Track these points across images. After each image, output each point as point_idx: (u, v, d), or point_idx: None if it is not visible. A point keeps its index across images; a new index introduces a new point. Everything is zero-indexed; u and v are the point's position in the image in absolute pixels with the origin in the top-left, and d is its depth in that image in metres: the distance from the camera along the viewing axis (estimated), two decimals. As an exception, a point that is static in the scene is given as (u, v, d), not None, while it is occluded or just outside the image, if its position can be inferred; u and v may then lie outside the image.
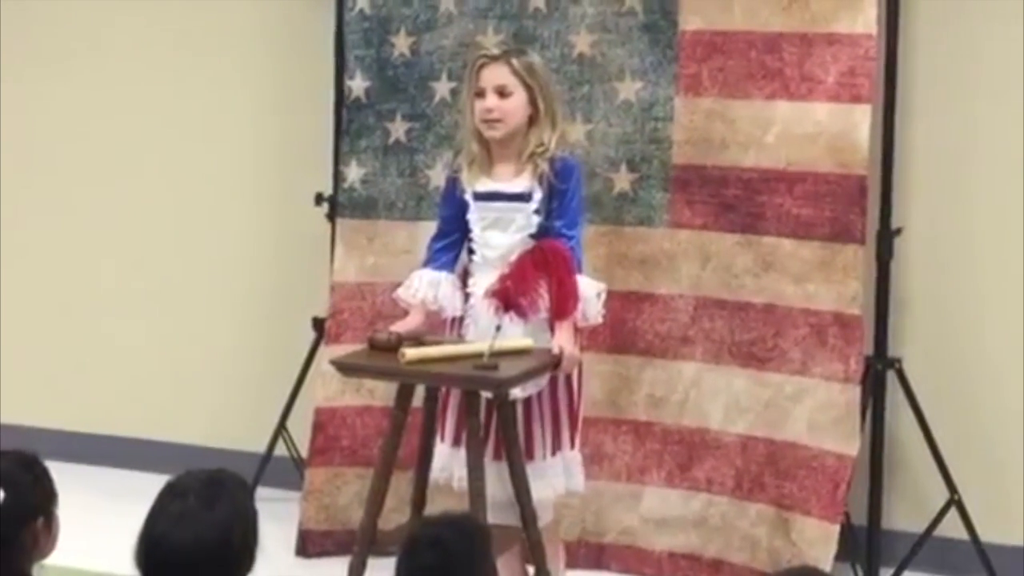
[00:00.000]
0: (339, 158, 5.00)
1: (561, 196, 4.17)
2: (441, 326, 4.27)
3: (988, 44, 4.65)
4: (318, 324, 5.06)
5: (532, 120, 4.18)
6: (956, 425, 4.69)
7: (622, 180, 4.77)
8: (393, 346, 4.05)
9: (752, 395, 4.63)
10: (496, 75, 4.17)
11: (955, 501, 4.57)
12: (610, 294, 4.26)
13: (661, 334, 4.74)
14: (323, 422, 4.95)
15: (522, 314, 4.00)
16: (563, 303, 4.04)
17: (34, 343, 5.85)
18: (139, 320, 5.73)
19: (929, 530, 4.61)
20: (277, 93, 5.48)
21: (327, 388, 4.94)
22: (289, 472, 5.19)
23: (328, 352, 4.80)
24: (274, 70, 5.47)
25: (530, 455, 4.13)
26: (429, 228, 4.45)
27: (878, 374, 4.62)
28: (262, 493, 4.52)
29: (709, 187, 4.68)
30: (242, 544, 2.67)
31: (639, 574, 4.79)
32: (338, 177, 5.00)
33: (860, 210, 4.49)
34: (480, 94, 4.18)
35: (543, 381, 4.13)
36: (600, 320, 4.21)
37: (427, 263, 4.28)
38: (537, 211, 4.17)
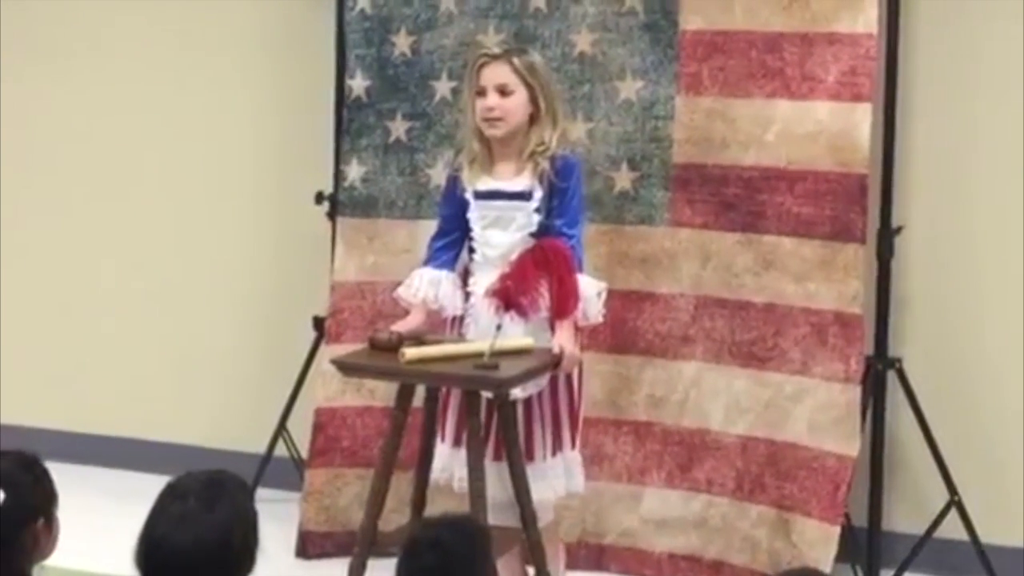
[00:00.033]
0: (340, 157, 5.00)
1: (562, 195, 4.17)
2: (442, 325, 4.27)
3: (988, 43, 4.65)
4: (318, 323, 5.06)
5: (533, 119, 4.18)
6: (956, 426, 4.69)
7: (623, 179, 4.76)
8: (394, 346, 4.05)
9: (752, 395, 4.63)
10: (497, 74, 4.17)
11: (955, 502, 4.57)
12: (610, 293, 4.26)
13: (661, 334, 4.74)
14: (323, 422, 4.95)
15: (523, 313, 4.00)
16: (564, 302, 4.04)
17: (34, 343, 5.85)
18: (139, 320, 5.73)
19: (929, 531, 4.61)
20: (278, 92, 5.48)
21: (327, 388, 4.93)
22: (289, 473, 5.19)
23: (328, 352, 4.80)
24: (275, 69, 5.47)
25: (530, 456, 4.13)
26: (429, 227, 4.45)
27: (878, 374, 4.62)
28: (262, 494, 4.51)
29: (710, 186, 4.67)
30: (242, 545, 2.67)
31: (639, 575, 4.79)
32: (338, 176, 4.99)
33: (861, 209, 4.49)
34: (481, 93, 4.18)
35: (543, 381, 4.13)
36: (601, 319, 4.21)
37: (427, 262, 4.28)
38: (538, 210, 4.16)
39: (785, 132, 4.58)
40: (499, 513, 4.04)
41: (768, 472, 4.59)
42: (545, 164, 4.16)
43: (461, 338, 4.18)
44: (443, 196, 4.37)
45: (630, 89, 4.74)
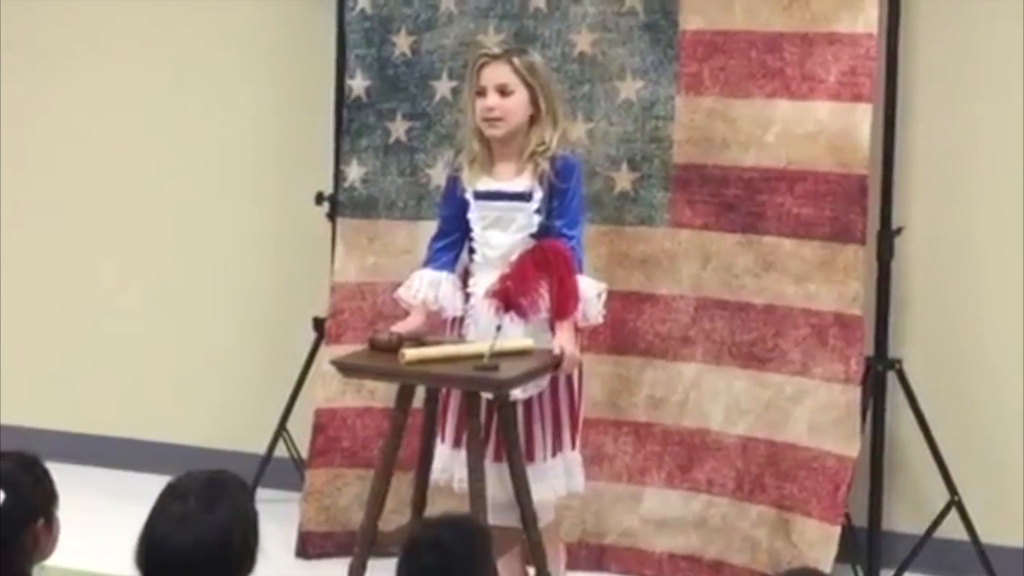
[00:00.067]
0: (340, 157, 5.00)
1: (562, 195, 4.17)
2: (442, 326, 4.27)
3: (989, 44, 4.65)
4: (318, 324, 5.06)
5: (533, 119, 4.18)
6: (956, 426, 4.69)
7: (623, 179, 4.76)
8: (394, 346, 4.05)
9: (752, 396, 4.63)
10: (497, 74, 4.17)
11: (955, 502, 4.57)
12: (610, 294, 4.26)
13: (661, 334, 4.74)
14: (323, 423, 4.94)
15: (523, 314, 4.00)
16: (564, 303, 4.04)
17: (34, 343, 5.85)
18: (139, 320, 5.73)
19: (929, 531, 4.61)
20: (278, 92, 5.48)
21: (327, 389, 4.93)
22: (289, 473, 5.19)
23: (329, 352, 4.79)
24: (275, 69, 5.47)
25: (531, 456, 4.13)
26: (430, 228, 4.45)
27: (878, 375, 4.62)
28: (262, 494, 4.51)
29: (710, 186, 4.67)
30: (242, 545, 2.67)
31: (639, 575, 4.79)
32: (338, 176, 4.99)
33: (861, 210, 4.48)
34: (481, 93, 4.18)
35: (544, 382, 4.13)
36: (601, 320, 4.21)
37: (427, 263, 4.28)
38: (538, 210, 4.16)
39: (785, 132, 4.57)
40: (499, 513, 4.04)
41: (768, 472, 4.59)
42: (545, 165, 4.16)
43: (461, 339, 4.18)
44: (443, 197, 4.37)
45: (630, 89, 4.74)
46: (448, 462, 4.18)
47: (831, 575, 4.29)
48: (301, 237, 5.38)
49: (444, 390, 4.16)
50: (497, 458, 4.11)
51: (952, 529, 4.58)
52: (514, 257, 4.09)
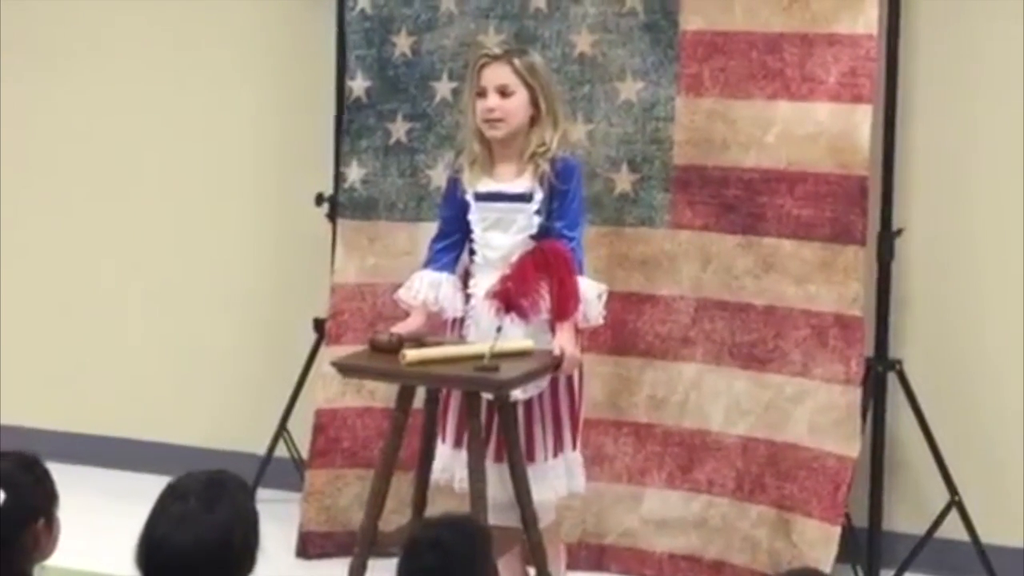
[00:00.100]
0: (340, 158, 5.00)
1: (562, 197, 4.17)
2: (442, 327, 4.27)
3: (989, 44, 4.65)
4: (319, 325, 5.06)
5: (534, 120, 4.18)
6: (957, 426, 4.69)
7: (623, 181, 4.76)
8: (394, 347, 4.05)
9: (753, 396, 4.63)
10: (497, 75, 4.17)
11: (956, 502, 4.57)
12: (611, 295, 4.26)
13: (662, 335, 4.74)
14: (324, 423, 4.94)
15: (523, 315, 4.00)
16: (564, 304, 4.04)
17: (34, 343, 5.85)
18: (139, 320, 5.73)
19: (930, 531, 4.61)
20: (278, 93, 5.48)
21: (328, 389, 4.93)
22: (290, 473, 5.19)
23: (329, 353, 4.79)
24: (275, 70, 5.47)
25: (531, 457, 4.13)
26: (430, 229, 4.45)
27: (879, 376, 4.62)
28: (263, 494, 4.51)
29: (710, 188, 4.67)
30: (243, 545, 2.67)
31: (640, 575, 4.79)
32: (339, 177, 4.99)
33: (861, 211, 4.48)
34: (481, 94, 4.18)
35: (544, 382, 4.13)
36: (601, 321, 4.21)
37: (428, 264, 4.28)
38: (538, 212, 4.16)
39: (785, 133, 4.57)
40: (500, 514, 4.04)
41: (768, 472, 4.59)
42: (546, 166, 4.16)
43: (462, 340, 4.18)
44: (443, 198, 4.37)
45: (630, 90, 4.74)
46: (449, 462, 4.18)
47: (831, 575, 4.29)
48: (301, 238, 5.38)
49: (444, 391, 4.16)
50: (498, 458, 4.11)
51: (952, 529, 4.59)
52: (514, 258, 4.09)
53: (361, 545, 4.09)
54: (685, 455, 4.73)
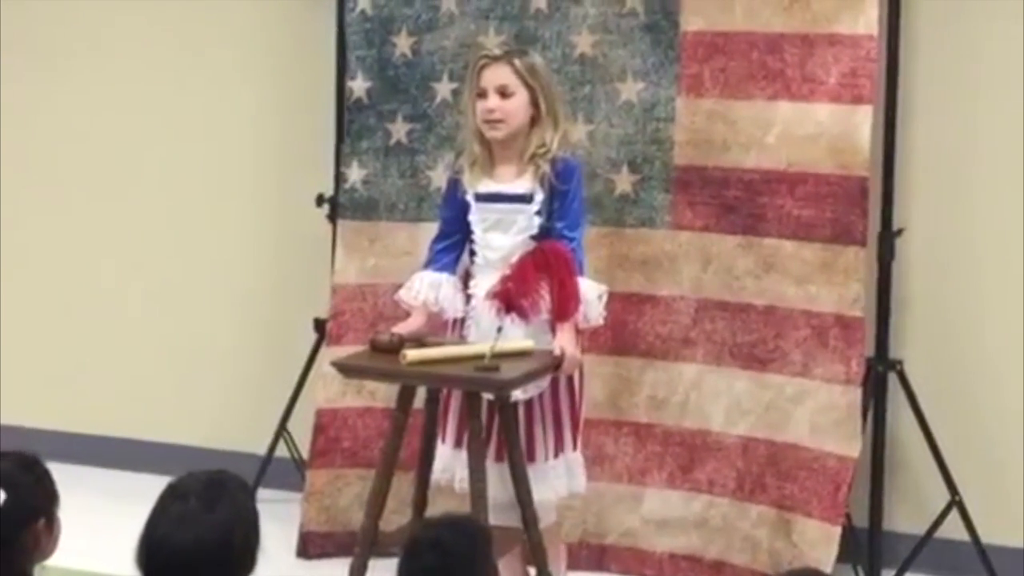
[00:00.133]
0: (340, 159, 5.00)
1: (562, 197, 4.17)
2: (442, 327, 4.27)
3: (989, 45, 4.65)
4: (319, 325, 5.06)
5: (534, 121, 4.18)
6: (957, 427, 4.69)
7: (623, 181, 4.76)
8: (395, 347, 4.05)
9: (753, 397, 4.63)
10: (498, 75, 4.17)
11: (956, 502, 4.57)
12: (611, 296, 4.26)
13: (662, 336, 4.74)
14: (324, 423, 4.95)
15: (523, 316, 4.00)
16: (564, 304, 4.04)
17: (34, 343, 5.85)
18: (139, 321, 5.73)
19: (930, 531, 4.61)
20: (278, 94, 5.48)
21: (328, 389, 4.93)
22: (290, 473, 5.19)
23: (329, 353, 4.79)
24: (275, 70, 5.47)
25: (531, 457, 4.13)
26: (430, 229, 4.45)
27: (879, 376, 4.62)
28: (263, 494, 4.51)
29: (710, 188, 4.67)
30: (243, 545, 2.67)
31: (640, 575, 4.79)
32: (339, 178, 4.99)
33: (861, 211, 4.49)
34: (482, 95, 4.18)
35: (544, 383, 4.13)
36: (601, 322, 4.21)
37: (428, 264, 4.28)
38: (538, 212, 4.16)
39: (786, 134, 4.57)
40: (500, 514, 4.04)
41: (769, 472, 4.59)
42: (546, 167, 4.16)
43: (462, 340, 4.18)
44: (444, 198, 4.37)
45: (631, 91, 4.74)
46: (449, 462, 4.18)
47: (832, 575, 4.29)
48: (301, 238, 5.38)
49: (445, 391, 4.16)
50: (498, 458, 4.11)
51: (953, 529, 4.59)
52: (515, 259, 4.09)
53: (362, 545, 4.09)
54: (686, 455, 4.73)
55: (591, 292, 4.13)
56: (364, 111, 4.92)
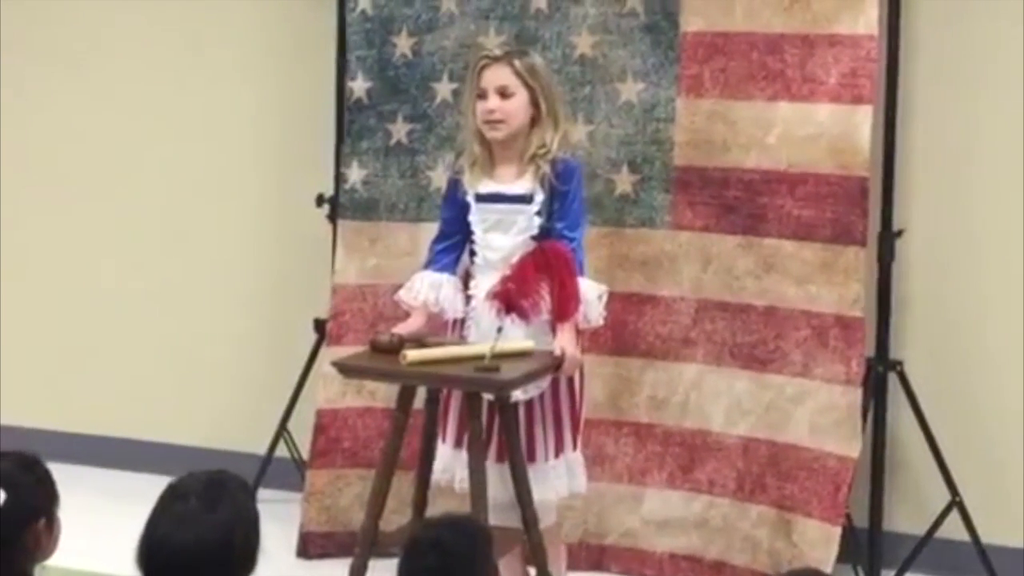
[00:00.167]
0: (340, 159, 5.00)
1: (562, 198, 4.17)
2: (443, 328, 4.27)
3: (989, 45, 4.65)
4: (319, 326, 5.06)
5: (534, 121, 4.18)
6: (957, 427, 4.69)
7: (623, 181, 4.76)
8: (395, 348, 4.05)
9: (753, 397, 4.63)
10: (498, 76, 4.17)
11: (956, 503, 4.57)
12: (611, 296, 4.26)
13: (662, 336, 4.74)
14: (324, 424, 4.95)
15: (524, 316, 4.00)
16: (565, 305, 4.04)
17: (34, 344, 5.85)
18: (139, 321, 5.73)
19: (930, 532, 4.61)
20: (278, 94, 5.48)
21: (328, 390, 4.93)
22: (290, 473, 5.19)
23: (329, 354, 4.79)
24: (275, 71, 5.47)
25: (532, 457, 4.13)
26: (430, 230, 4.45)
27: (879, 376, 4.62)
28: (263, 495, 4.51)
29: (710, 189, 4.67)
30: (243, 545, 2.67)
31: (640, 575, 4.79)
32: (339, 178, 4.99)
33: (861, 212, 4.49)
34: (482, 95, 4.18)
35: (544, 383, 4.13)
36: (601, 322, 4.21)
37: (428, 265, 4.28)
38: (539, 213, 4.16)
39: (786, 134, 4.57)
40: (501, 514, 4.04)
41: (769, 473, 4.59)
42: (546, 167, 4.16)
43: (462, 341, 4.18)
44: (444, 199, 4.37)
45: (631, 91, 4.74)
46: (449, 462, 4.18)
47: (832, 575, 4.30)
48: (302, 239, 5.38)
49: (445, 391, 4.16)
50: (499, 459, 4.11)
51: (953, 529, 4.59)
52: (515, 259, 4.09)
53: (362, 545, 4.09)
54: (686, 455, 4.73)
55: (591, 292, 4.13)
56: (364, 111, 4.92)
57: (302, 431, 5.11)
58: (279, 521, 4.35)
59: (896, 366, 4.63)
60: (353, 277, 4.94)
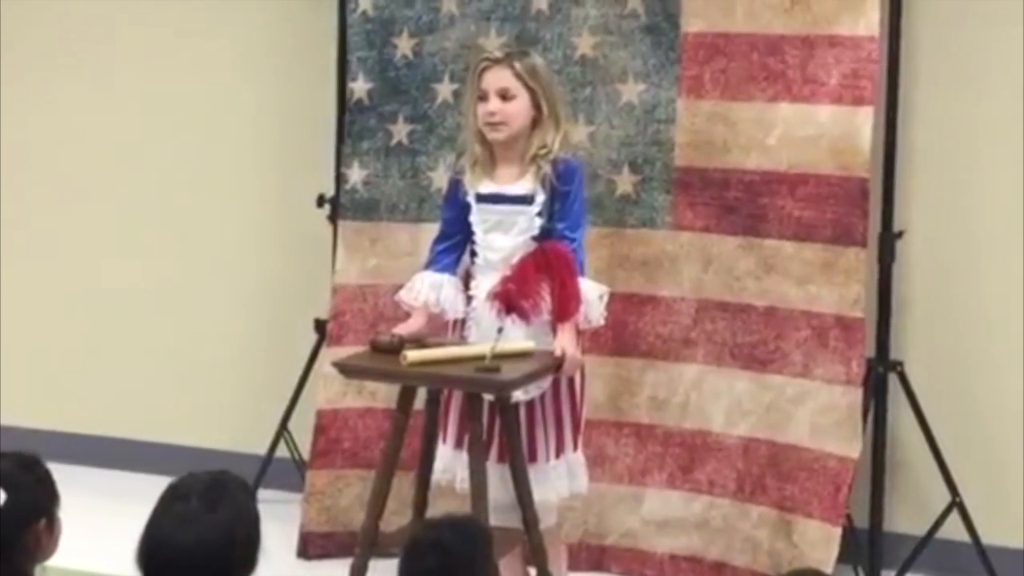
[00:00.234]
0: (341, 160, 5.00)
1: (563, 198, 4.17)
2: (443, 328, 4.27)
3: (990, 46, 4.65)
4: (320, 326, 5.06)
5: (535, 122, 4.18)
6: (958, 427, 4.69)
7: (624, 182, 4.76)
8: (395, 348, 4.05)
9: (754, 397, 4.63)
10: (499, 78, 4.17)
11: (956, 503, 4.57)
12: (612, 296, 4.26)
13: (663, 336, 4.74)
14: (325, 424, 4.95)
15: (524, 316, 4.00)
16: (565, 305, 4.04)
17: (34, 344, 5.85)
18: (139, 321, 5.73)
19: (931, 532, 4.62)
20: (279, 94, 5.48)
21: (329, 390, 4.93)
22: (291, 474, 5.19)
23: (330, 354, 4.79)
24: (276, 71, 5.47)
25: (533, 458, 4.13)
26: (431, 230, 4.45)
27: (880, 377, 4.62)
28: (264, 495, 4.48)
29: (711, 189, 4.67)
30: (244, 546, 2.67)
31: (640, 576, 4.80)
32: (340, 179, 4.99)
33: (862, 212, 4.49)
34: (483, 98, 4.18)
35: (545, 383, 4.13)
36: (602, 322, 4.21)
37: (429, 265, 4.28)
38: (540, 213, 4.16)
39: (786, 135, 4.57)
40: (501, 514, 4.04)
41: (769, 473, 4.59)
42: (547, 168, 4.16)
43: (463, 341, 4.18)
44: (445, 199, 4.37)
45: (632, 92, 4.74)
46: (450, 463, 4.18)
47: (832, 576, 4.30)
48: (302, 239, 5.38)
49: (445, 392, 4.16)
50: (499, 459, 4.11)
51: (953, 530, 4.59)
52: (516, 260, 4.09)
53: (362, 546, 4.09)
54: (686, 456, 4.73)
55: (592, 293, 4.13)
56: (365, 112, 4.92)
57: (302, 431, 5.11)
58: (279, 521, 4.35)
59: (896, 367, 4.63)
60: (354, 277, 4.94)
